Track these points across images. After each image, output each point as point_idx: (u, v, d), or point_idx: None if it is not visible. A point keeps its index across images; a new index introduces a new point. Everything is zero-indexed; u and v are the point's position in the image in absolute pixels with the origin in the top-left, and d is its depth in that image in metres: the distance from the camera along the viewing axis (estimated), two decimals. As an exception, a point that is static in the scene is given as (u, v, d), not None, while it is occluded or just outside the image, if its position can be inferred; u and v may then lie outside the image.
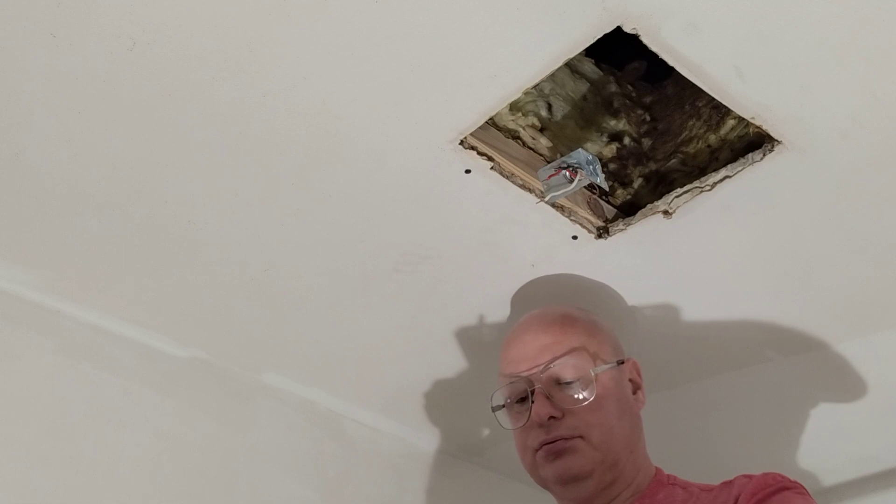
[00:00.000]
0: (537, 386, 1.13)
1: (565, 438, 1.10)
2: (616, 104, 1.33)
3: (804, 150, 1.06)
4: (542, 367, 1.14)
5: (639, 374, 1.22)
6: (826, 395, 1.52)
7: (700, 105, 1.25)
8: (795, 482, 1.04)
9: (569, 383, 1.13)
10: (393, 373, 1.55)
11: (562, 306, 1.24)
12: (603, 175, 1.15)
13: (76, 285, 1.34)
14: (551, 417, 1.11)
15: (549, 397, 1.12)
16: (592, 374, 1.13)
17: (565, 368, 1.13)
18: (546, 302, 1.29)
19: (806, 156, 1.07)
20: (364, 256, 1.28)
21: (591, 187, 1.21)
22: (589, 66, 1.34)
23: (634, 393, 1.19)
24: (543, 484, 1.16)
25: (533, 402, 1.12)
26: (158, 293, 1.35)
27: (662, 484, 1.13)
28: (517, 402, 1.17)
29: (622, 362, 1.19)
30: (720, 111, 1.18)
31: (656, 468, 1.17)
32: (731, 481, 1.07)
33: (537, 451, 1.13)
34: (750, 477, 1.05)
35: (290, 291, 1.35)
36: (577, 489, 1.11)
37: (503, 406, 1.20)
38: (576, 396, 1.12)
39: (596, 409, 1.12)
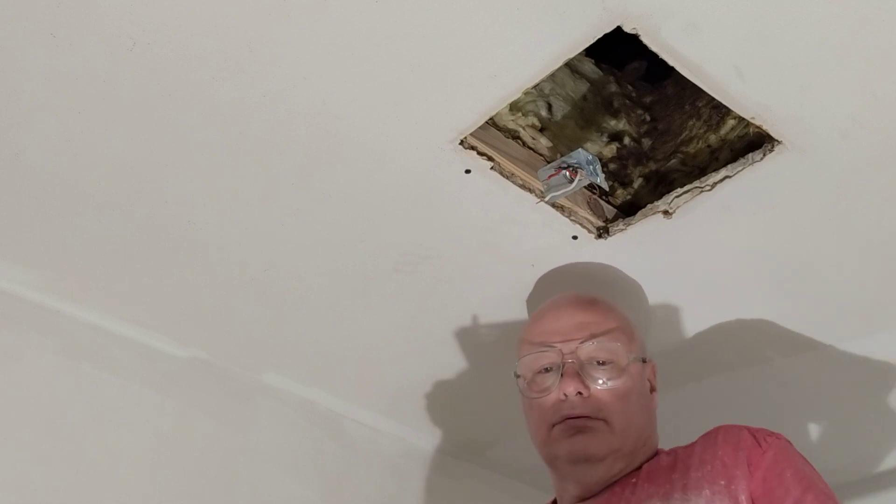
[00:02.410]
0: (569, 360, 1.12)
1: (589, 417, 1.09)
2: (616, 104, 1.33)
3: (804, 150, 1.06)
4: (579, 342, 1.12)
5: (655, 377, 1.21)
6: (826, 395, 1.52)
7: (700, 105, 1.25)
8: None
9: (601, 364, 1.12)
10: (393, 373, 1.55)
11: (596, 293, 1.23)
12: (603, 175, 1.15)
13: (76, 285, 1.34)
14: (578, 393, 1.10)
15: (579, 373, 1.11)
16: (627, 360, 1.12)
17: (601, 349, 1.12)
18: (560, 290, 1.26)
19: (806, 156, 1.07)
20: (364, 256, 1.28)
21: (591, 187, 1.21)
22: (589, 66, 1.34)
23: (651, 393, 1.19)
24: (552, 460, 1.14)
25: (563, 374, 1.11)
26: (158, 293, 1.35)
27: (649, 458, 1.13)
28: (541, 372, 1.15)
29: (645, 361, 1.18)
30: (720, 111, 1.18)
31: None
32: (711, 433, 1.08)
33: (556, 424, 1.11)
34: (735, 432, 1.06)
35: (290, 291, 1.35)
36: (586, 471, 1.10)
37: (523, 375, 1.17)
38: (606, 379, 1.11)
39: (622, 397, 1.11)
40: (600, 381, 1.11)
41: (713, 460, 1.03)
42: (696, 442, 1.09)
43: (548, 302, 1.23)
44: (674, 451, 1.11)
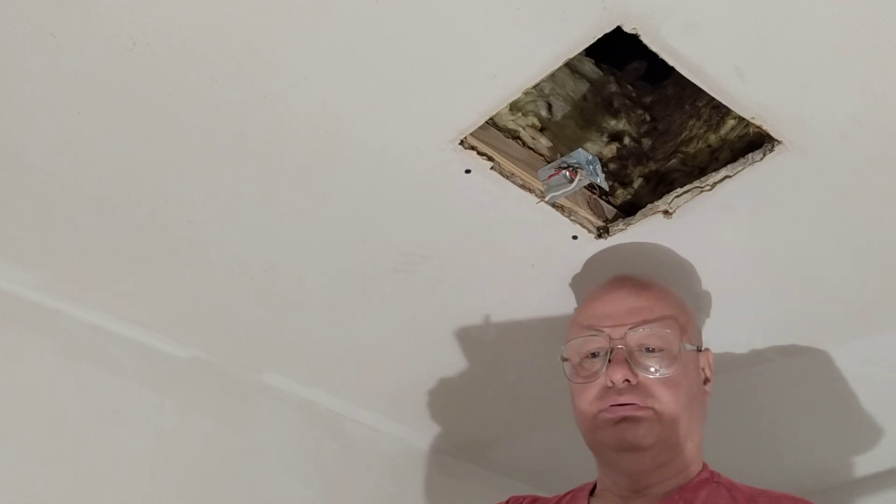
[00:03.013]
0: (619, 346, 1.08)
1: (637, 406, 1.06)
2: (616, 104, 1.33)
3: (804, 150, 1.06)
4: (629, 327, 1.09)
5: (710, 368, 1.17)
6: (826, 394, 1.52)
7: (700, 105, 1.25)
8: None
9: (652, 351, 1.08)
10: (393, 373, 1.55)
11: (652, 276, 1.20)
12: (603, 175, 1.14)
13: (76, 285, 1.34)
14: (626, 381, 1.07)
15: (627, 360, 1.08)
16: (679, 348, 1.09)
17: (653, 336, 1.09)
18: (611, 273, 1.24)
19: (806, 156, 1.06)
20: (364, 256, 1.28)
21: (591, 187, 1.21)
22: (589, 66, 1.34)
23: (704, 384, 1.16)
24: (596, 447, 1.11)
25: (610, 361, 1.08)
26: (159, 293, 1.36)
27: (707, 481, 1.10)
28: (588, 357, 1.12)
29: (699, 350, 1.16)
30: (720, 111, 1.18)
31: (703, 463, 1.14)
32: (778, 499, 1.05)
33: (602, 411, 1.08)
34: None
35: (290, 291, 1.35)
36: (632, 459, 1.07)
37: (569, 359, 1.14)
38: (657, 367, 1.07)
39: (672, 386, 1.07)
40: (651, 370, 1.07)
41: None
42: (760, 496, 1.06)
43: (603, 283, 1.20)
44: (732, 488, 1.07)
